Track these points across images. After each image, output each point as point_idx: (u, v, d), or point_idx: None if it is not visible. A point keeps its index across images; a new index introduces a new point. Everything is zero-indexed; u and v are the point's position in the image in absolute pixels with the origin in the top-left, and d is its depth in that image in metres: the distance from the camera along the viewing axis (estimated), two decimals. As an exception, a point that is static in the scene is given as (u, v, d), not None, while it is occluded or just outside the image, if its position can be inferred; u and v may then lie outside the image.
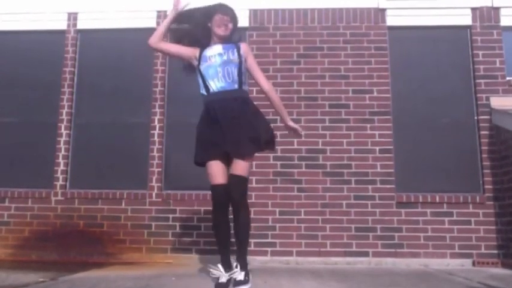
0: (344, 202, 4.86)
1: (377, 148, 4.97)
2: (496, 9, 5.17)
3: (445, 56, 5.20)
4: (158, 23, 5.36)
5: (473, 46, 5.13)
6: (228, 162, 3.05)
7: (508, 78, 5.04)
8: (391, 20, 5.24)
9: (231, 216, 3.08)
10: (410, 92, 5.14)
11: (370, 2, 5.26)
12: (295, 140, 5.00)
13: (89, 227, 4.99)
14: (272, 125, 4.96)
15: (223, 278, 2.97)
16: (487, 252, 4.71)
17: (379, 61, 5.14)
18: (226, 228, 3.09)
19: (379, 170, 4.92)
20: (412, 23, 5.25)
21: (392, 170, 4.92)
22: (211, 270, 3.04)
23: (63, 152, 5.19)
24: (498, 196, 4.78)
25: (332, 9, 5.28)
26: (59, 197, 5.09)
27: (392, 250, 4.75)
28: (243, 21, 4.94)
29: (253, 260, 4.71)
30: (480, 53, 5.10)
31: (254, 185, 4.86)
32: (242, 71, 3.12)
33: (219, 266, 3.02)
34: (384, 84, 5.10)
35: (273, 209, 4.88)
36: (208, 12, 3.15)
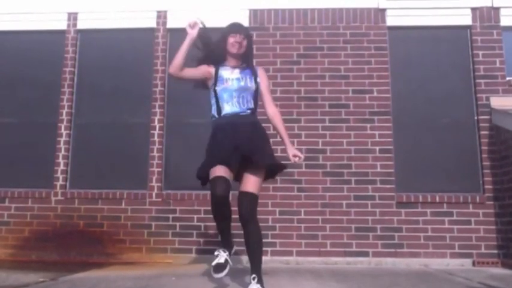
0: (344, 202, 4.86)
1: (377, 148, 4.97)
2: (496, 9, 5.17)
3: (445, 56, 5.20)
4: (158, 23, 5.37)
5: (473, 46, 5.13)
6: (234, 175, 2.99)
7: (508, 78, 5.04)
8: (391, 20, 5.24)
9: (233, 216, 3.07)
10: (410, 92, 5.14)
11: (370, 2, 5.26)
12: (295, 140, 5.00)
13: (89, 227, 4.99)
14: (272, 125, 5.01)
15: (222, 258, 2.97)
16: (487, 252, 4.71)
17: (379, 61, 5.14)
18: (226, 216, 3.00)
19: (379, 170, 4.92)
20: (412, 23, 5.25)
21: (392, 170, 4.92)
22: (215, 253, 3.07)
23: (63, 152, 5.20)
24: (498, 196, 4.78)
25: (332, 9, 5.28)
26: (59, 197, 5.09)
27: (392, 250, 4.75)
28: (243, 22, 4.93)
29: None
30: (480, 53, 5.10)
31: (254, 185, 4.86)
32: (257, 98, 3.13)
33: (219, 250, 3.05)
34: (384, 84, 5.10)
35: (273, 209, 4.88)
36: (222, 36, 3.11)
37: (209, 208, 4.73)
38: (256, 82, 3.12)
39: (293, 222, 4.85)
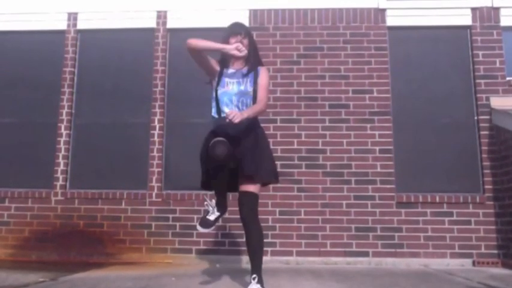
0: (344, 202, 4.86)
1: (377, 148, 4.97)
2: (496, 10, 5.17)
3: (445, 56, 5.20)
4: (158, 23, 5.37)
5: (473, 46, 5.13)
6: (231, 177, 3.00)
7: (508, 78, 5.04)
8: (391, 20, 5.24)
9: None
10: (410, 92, 5.14)
11: (370, 2, 5.26)
12: (295, 140, 5.01)
13: (89, 227, 4.99)
14: (272, 125, 5.02)
15: (212, 215, 2.98)
16: (487, 252, 4.71)
17: (379, 61, 5.14)
18: (223, 179, 2.98)
19: (379, 170, 4.92)
20: (412, 23, 5.25)
21: (392, 170, 4.92)
22: (206, 202, 3.05)
23: (63, 152, 5.20)
24: (498, 196, 4.78)
25: (332, 10, 5.28)
26: (59, 197, 5.09)
27: (392, 250, 4.75)
28: (243, 22, 4.94)
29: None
30: (480, 53, 5.10)
31: (254, 185, 4.86)
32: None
33: (214, 201, 3.05)
34: (384, 84, 5.10)
35: (273, 209, 4.88)
36: (223, 40, 3.09)
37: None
38: (255, 84, 3.09)
39: (293, 222, 4.85)
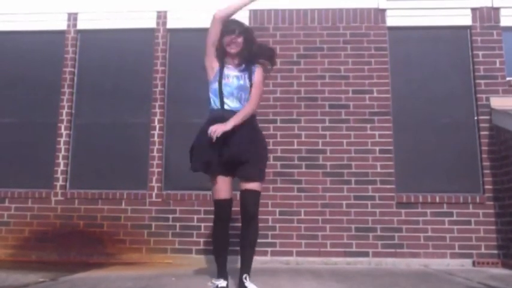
0: (344, 202, 4.86)
1: (377, 148, 4.97)
2: (496, 10, 5.17)
3: (445, 56, 5.20)
4: (158, 23, 5.37)
5: (473, 46, 5.13)
6: (232, 174, 3.03)
7: (508, 78, 5.04)
8: (391, 21, 5.24)
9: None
10: (410, 92, 5.14)
11: (370, 2, 5.26)
12: (295, 140, 5.01)
13: (89, 227, 4.99)
14: (272, 125, 5.02)
15: (223, 283, 2.97)
16: (487, 252, 4.71)
17: (379, 61, 5.14)
18: (225, 241, 3.09)
19: (379, 170, 4.92)
20: (412, 24, 5.25)
21: (392, 170, 4.92)
22: (209, 284, 3.04)
23: (63, 152, 5.20)
24: (498, 196, 4.78)
25: (332, 10, 5.28)
26: (59, 197, 5.09)
27: (392, 250, 4.75)
28: (243, 22, 4.94)
29: (253, 260, 4.70)
30: (480, 53, 5.10)
31: (254, 185, 4.87)
32: None
33: (215, 280, 3.02)
34: (384, 85, 5.10)
35: (273, 209, 4.88)
36: (220, 36, 3.11)
37: (209, 208, 4.75)
38: (251, 83, 3.13)
39: (293, 222, 4.85)
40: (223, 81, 3.07)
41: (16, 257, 4.90)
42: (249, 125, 3.06)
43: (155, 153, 5.10)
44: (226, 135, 2.91)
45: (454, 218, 4.79)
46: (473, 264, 4.66)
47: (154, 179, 5.05)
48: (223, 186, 3.00)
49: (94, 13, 5.45)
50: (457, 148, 5.00)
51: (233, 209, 3.10)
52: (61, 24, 5.46)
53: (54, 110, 5.28)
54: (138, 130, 5.22)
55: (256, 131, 3.13)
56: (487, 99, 5.00)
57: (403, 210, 4.83)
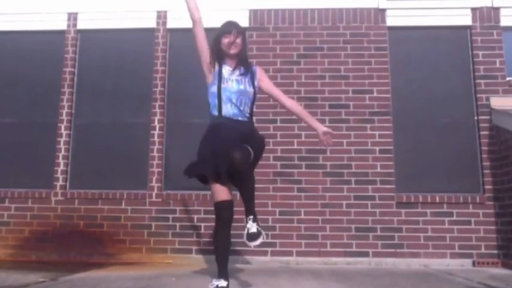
0: (344, 202, 4.86)
1: (377, 148, 4.97)
2: (496, 10, 5.17)
3: (445, 56, 5.20)
4: (158, 23, 5.38)
5: (473, 46, 5.13)
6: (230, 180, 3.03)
7: (508, 78, 5.04)
8: (391, 21, 5.24)
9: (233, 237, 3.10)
10: (410, 92, 5.14)
11: (370, 2, 5.26)
12: (295, 140, 5.01)
13: (88, 227, 4.99)
14: (272, 125, 5.01)
15: (224, 283, 2.96)
16: (487, 252, 4.71)
17: (379, 61, 5.14)
18: (227, 243, 3.06)
19: (379, 170, 4.92)
20: (412, 23, 5.25)
21: (392, 170, 4.92)
22: (211, 284, 3.03)
23: (63, 152, 5.20)
24: (498, 196, 4.78)
25: (332, 10, 5.28)
26: (59, 197, 5.09)
27: (392, 250, 4.75)
28: (243, 22, 4.95)
29: (253, 261, 4.71)
30: (480, 53, 5.10)
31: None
32: (254, 103, 3.14)
33: (215, 280, 3.00)
34: (384, 85, 5.10)
35: (273, 209, 4.88)
36: (216, 38, 3.11)
37: (209, 208, 4.75)
38: (254, 86, 3.12)
39: (293, 222, 4.85)
40: (223, 85, 3.04)
41: (16, 257, 4.90)
42: (248, 129, 3.06)
43: (155, 153, 5.10)
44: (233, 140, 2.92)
45: (454, 218, 4.79)
46: (473, 264, 4.66)
47: (154, 179, 5.05)
48: (222, 188, 2.99)
49: (94, 13, 5.45)
50: (457, 148, 5.00)
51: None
52: (61, 24, 5.46)
53: (54, 110, 5.29)
54: (138, 130, 5.21)
55: (253, 134, 3.11)
56: (487, 99, 5.00)
57: (403, 210, 4.83)
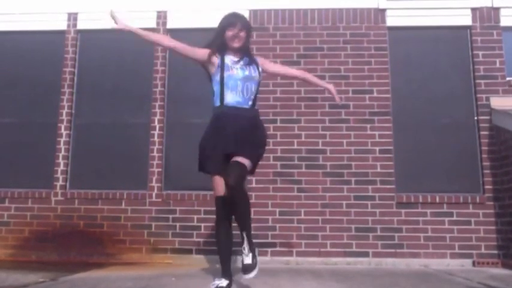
0: (344, 202, 4.86)
1: (377, 148, 4.97)
2: (496, 10, 5.17)
3: (445, 56, 5.20)
4: (158, 23, 5.38)
5: (473, 46, 5.13)
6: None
7: (508, 79, 5.04)
8: (391, 21, 5.24)
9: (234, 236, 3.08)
10: (410, 92, 5.14)
11: (370, 2, 5.26)
12: (295, 140, 5.01)
13: (88, 227, 4.99)
14: (272, 125, 5.01)
15: (224, 283, 2.96)
16: (487, 253, 4.71)
17: (379, 61, 5.14)
18: (228, 239, 3.05)
19: (379, 170, 4.92)
20: (412, 24, 5.25)
21: (392, 170, 4.92)
22: (212, 283, 3.02)
23: (63, 152, 5.19)
24: (498, 196, 4.78)
25: (332, 10, 5.28)
26: (59, 197, 5.09)
27: (392, 250, 4.75)
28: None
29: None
30: (480, 53, 5.10)
31: (254, 185, 4.87)
32: (258, 90, 3.15)
33: (218, 279, 3.01)
34: (384, 85, 5.10)
35: (273, 209, 4.88)
36: (220, 30, 3.11)
37: (209, 208, 4.76)
38: (259, 73, 3.13)
39: (293, 222, 4.85)
40: (228, 73, 3.02)
41: (16, 257, 4.90)
42: (254, 121, 3.05)
43: (155, 153, 5.10)
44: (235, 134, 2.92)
45: (454, 218, 4.79)
46: (473, 264, 4.66)
47: (154, 179, 5.05)
48: (221, 182, 2.96)
49: (94, 13, 5.44)
50: (457, 148, 5.00)
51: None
52: (61, 24, 5.46)
53: (54, 110, 5.28)
54: (138, 130, 5.21)
55: (257, 129, 3.10)
56: (487, 99, 5.00)
57: (403, 210, 4.83)
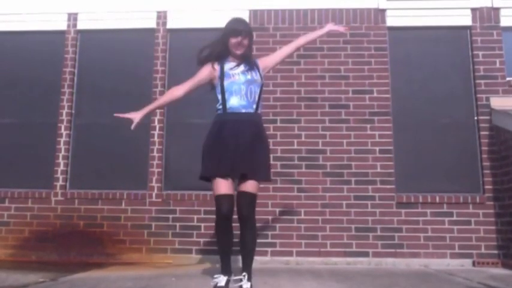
0: (344, 202, 4.86)
1: (377, 148, 4.97)
2: (496, 10, 5.17)
3: (445, 57, 5.20)
4: (158, 24, 5.38)
5: (473, 46, 5.13)
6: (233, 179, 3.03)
7: (508, 79, 5.04)
8: (391, 21, 5.24)
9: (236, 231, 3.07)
10: (410, 92, 5.14)
11: (370, 2, 5.26)
12: (295, 140, 5.01)
13: (88, 227, 4.99)
14: (272, 125, 5.01)
15: (222, 281, 2.96)
16: (487, 253, 4.71)
17: (379, 61, 5.14)
18: (229, 237, 3.04)
19: (379, 170, 4.92)
20: (412, 24, 5.25)
21: (392, 170, 4.92)
22: (212, 281, 3.02)
23: (63, 152, 5.20)
24: (498, 196, 4.78)
25: (332, 10, 5.28)
26: (59, 197, 5.09)
27: (392, 250, 4.75)
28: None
29: (253, 260, 4.70)
30: (480, 53, 5.10)
31: (254, 185, 4.86)
32: (262, 93, 3.15)
33: (218, 275, 3.01)
34: (383, 85, 5.10)
35: (273, 209, 4.88)
36: (223, 36, 3.11)
37: (209, 208, 4.75)
38: (261, 76, 3.14)
39: (293, 222, 4.85)
40: (230, 80, 3.04)
41: (16, 257, 4.89)
42: (256, 129, 3.05)
43: (155, 153, 5.10)
44: (244, 148, 2.94)
45: (454, 218, 4.79)
46: (473, 264, 4.66)
47: (154, 179, 5.05)
48: (223, 182, 2.94)
49: (94, 13, 5.45)
50: (457, 148, 5.00)
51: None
52: (61, 24, 5.46)
53: (54, 110, 5.29)
54: (138, 130, 5.13)
55: (261, 137, 3.10)
56: (487, 99, 5.00)
57: (403, 210, 4.83)
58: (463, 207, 4.80)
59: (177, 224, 4.94)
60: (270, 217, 4.86)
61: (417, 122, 5.08)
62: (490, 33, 5.13)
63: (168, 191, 5.04)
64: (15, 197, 5.10)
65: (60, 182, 5.13)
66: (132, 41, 5.43)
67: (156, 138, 5.13)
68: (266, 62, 3.28)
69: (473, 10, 5.20)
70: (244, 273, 2.90)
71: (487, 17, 5.17)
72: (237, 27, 3.11)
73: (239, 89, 3.03)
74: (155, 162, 5.07)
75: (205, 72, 3.13)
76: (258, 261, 4.67)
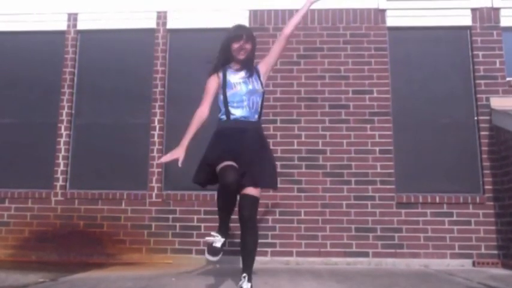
0: (344, 202, 4.86)
1: (377, 148, 4.97)
2: (496, 10, 5.17)
3: (445, 57, 5.20)
4: (158, 24, 5.38)
5: (473, 47, 5.13)
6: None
7: (508, 79, 5.04)
8: (391, 21, 5.24)
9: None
10: (410, 92, 5.14)
11: (370, 2, 5.26)
12: (295, 140, 5.01)
13: (88, 228, 4.99)
14: (272, 125, 5.02)
15: (218, 242, 2.94)
16: (487, 253, 4.71)
17: (379, 62, 5.14)
18: (232, 199, 2.94)
19: (379, 170, 4.92)
20: (412, 24, 5.25)
21: (392, 171, 4.92)
22: (207, 238, 2.99)
23: (63, 152, 5.20)
24: (498, 196, 4.78)
25: (332, 10, 5.28)
26: (59, 198, 5.09)
27: (392, 250, 4.75)
28: (243, 22, 4.94)
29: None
30: (480, 53, 5.10)
31: (254, 185, 4.86)
32: (263, 102, 3.16)
33: (216, 233, 2.96)
34: (384, 85, 5.10)
35: (273, 209, 4.88)
36: (226, 42, 3.12)
37: (209, 209, 4.76)
38: (262, 85, 3.14)
39: (293, 222, 4.85)
40: (232, 91, 3.05)
41: (16, 257, 4.90)
42: (259, 137, 3.06)
43: (155, 154, 5.09)
44: (248, 155, 2.93)
45: (454, 218, 4.79)
46: (473, 264, 4.66)
47: (154, 179, 5.05)
48: (228, 161, 2.89)
49: (94, 13, 5.45)
50: (457, 148, 5.00)
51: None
52: (61, 25, 5.47)
53: (54, 110, 5.29)
54: (138, 130, 5.21)
55: (265, 145, 3.11)
56: (487, 99, 5.00)
57: (403, 211, 4.83)
58: (463, 207, 4.80)
59: (177, 224, 4.94)
60: (270, 217, 4.86)
61: (417, 122, 5.08)
62: (490, 33, 5.13)
63: (168, 191, 5.04)
64: (15, 197, 5.10)
65: (60, 182, 5.13)
66: (132, 41, 5.43)
67: (156, 138, 5.13)
68: (265, 63, 3.27)
69: (473, 10, 5.20)
70: (244, 274, 2.90)
71: (487, 17, 5.17)
72: (238, 32, 3.13)
73: (241, 100, 3.04)
74: (155, 163, 5.07)
75: (214, 83, 3.14)
76: (258, 261, 4.66)
